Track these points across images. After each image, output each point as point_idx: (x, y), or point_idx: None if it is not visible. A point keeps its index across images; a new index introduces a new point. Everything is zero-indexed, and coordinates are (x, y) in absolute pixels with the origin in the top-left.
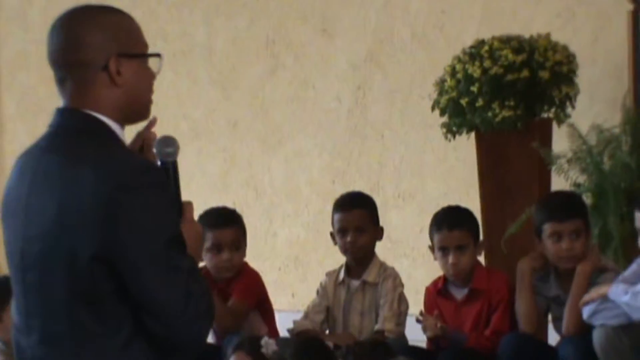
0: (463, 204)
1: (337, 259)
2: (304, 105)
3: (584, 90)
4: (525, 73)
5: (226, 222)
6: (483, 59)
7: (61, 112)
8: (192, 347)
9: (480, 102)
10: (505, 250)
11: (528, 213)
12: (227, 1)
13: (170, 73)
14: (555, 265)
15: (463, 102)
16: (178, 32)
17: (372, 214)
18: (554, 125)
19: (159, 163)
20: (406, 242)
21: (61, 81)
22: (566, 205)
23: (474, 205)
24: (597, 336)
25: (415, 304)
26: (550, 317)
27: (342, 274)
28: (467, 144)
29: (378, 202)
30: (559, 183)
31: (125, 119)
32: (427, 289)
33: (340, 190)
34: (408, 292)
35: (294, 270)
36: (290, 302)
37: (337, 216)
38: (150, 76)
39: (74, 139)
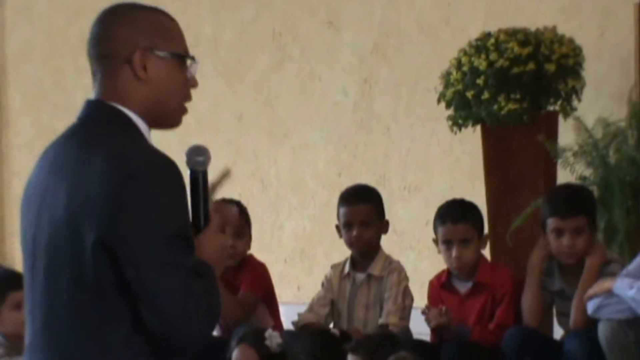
0: (468, 197)
1: (342, 251)
2: (310, 98)
3: (590, 84)
4: (531, 66)
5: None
6: (489, 52)
7: (88, 104)
8: (190, 346)
9: (486, 95)
10: (511, 243)
11: (533, 206)
12: None
13: None
14: (558, 259)
15: (469, 94)
16: (184, 24)
17: (377, 207)
18: (560, 118)
19: (188, 172)
20: (412, 235)
21: (93, 74)
22: (570, 202)
23: (480, 198)
24: (602, 330)
25: (421, 297)
26: (555, 311)
27: (347, 267)
28: (473, 136)
29: (384, 194)
30: (564, 176)
31: (153, 120)
32: (431, 283)
33: (346, 183)
34: (413, 285)
35: (299, 263)
36: (296, 295)
37: (342, 210)
38: (182, 80)
39: (95, 129)
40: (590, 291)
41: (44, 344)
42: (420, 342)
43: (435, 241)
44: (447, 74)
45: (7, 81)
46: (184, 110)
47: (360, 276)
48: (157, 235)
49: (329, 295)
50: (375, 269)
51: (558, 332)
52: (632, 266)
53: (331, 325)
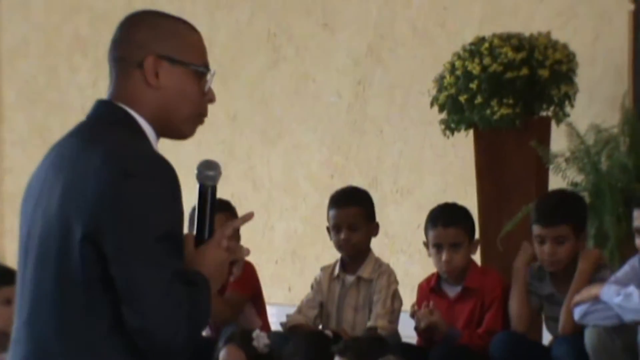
0: (461, 201)
1: (334, 253)
2: (304, 99)
3: (583, 90)
4: (524, 71)
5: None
6: (483, 56)
7: (97, 104)
8: (166, 349)
9: (479, 100)
10: (501, 248)
11: (524, 211)
12: None
13: None
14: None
15: (462, 99)
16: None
17: (366, 210)
18: (553, 124)
19: (198, 185)
20: (403, 238)
21: (110, 76)
22: (553, 210)
23: (472, 202)
24: (588, 337)
25: (411, 300)
26: (544, 316)
27: (337, 269)
28: (465, 141)
29: (376, 197)
30: (556, 182)
31: (162, 128)
32: (420, 286)
33: (339, 184)
34: (404, 288)
35: (290, 264)
36: (287, 296)
37: (331, 212)
38: (196, 92)
39: (99, 128)
40: (578, 297)
41: (25, 337)
42: (409, 345)
43: (426, 244)
44: (441, 78)
45: (1, 77)
46: (197, 122)
47: (350, 278)
48: (145, 235)
49: (318, 297)
50: (365, 271)
51: (547, 338)
52: (620, 273)
53: (320, 327)
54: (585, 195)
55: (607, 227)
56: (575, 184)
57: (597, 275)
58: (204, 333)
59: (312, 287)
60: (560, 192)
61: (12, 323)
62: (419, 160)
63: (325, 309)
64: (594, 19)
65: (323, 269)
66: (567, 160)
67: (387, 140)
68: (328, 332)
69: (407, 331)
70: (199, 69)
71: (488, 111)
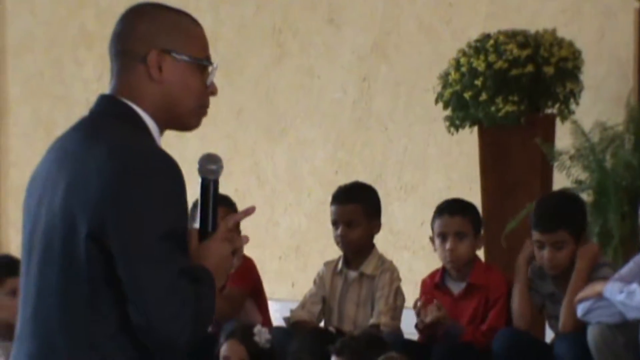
0: (465, 198)
1: (337, 249)
2: (309, 94)
3: (588, 87)
4: (529, 68)
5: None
6: (488, 53)
7: (100, 99)
8: (172, 347)
9: (483, 96)
10: (505, 245)
11: (529, 208)
12: None
13: None
14: None
15: (467, 95)
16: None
17: (367, 207)
18: (558, 121)
19: (200, 179)
20: (407, 235)
21: (111, 69)
22: (551, 216)
23: (476, 199)
24: (591, 334)
25: (415, 297)
26: (546, 314)
27: (340, 265)
28: (470, 137)
29: (380, 194)
30: (560, 179)
31: (164, 122)
32: (423, 281)
33: (343, 180)
34: (408, 285)
35: (294, 260)
36: (290, 292)
37: (331, 208)
38: (199, 85)
39: (101, 121)
40: (581, 294)
41: (31, 334)
42: (411, 342)
43: (432, 239)
44: (446, 75)
45: (6, 71)
46: (201, 114)
47: (353, 274)
48: (150, 232)
49: (321, 292)
50: (368, 267)
51: (550, 336)
52: (623, 270)
53: (322, 323)
54: (590, 193)
55: (612, 225)
56: (579, 182)
57: (598, 272)
58: None
59: (314, 282)
60: (558, 196)
61: (16, 314)
62: (424, 157)
63: (327, 305)
64: (599, 16)
65: (326, 264)
66: (571, 157)
67: (392, 136)
68: (332, 329)
69: (409, 328)
70: (203, 63)
71: (493, 108)
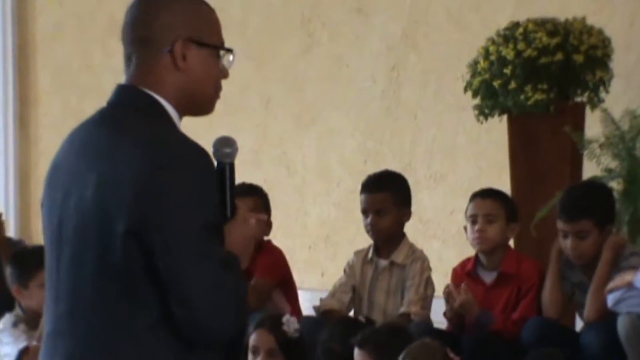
0: (494, 187)
1: (367, 238)
2: (338, 84)
3: (618, 75)
4: (559, 56)
5: (246, 192)
6: (517, 41)
7: (119, 89)
8: (217, 340)
9: (513, 85)
10: (535, 234)
11: (558, 197)
12: None
13: None
14: None
15: (496, 84)
16: (213, 6)
17: (396, 196)
18: (587, 109)
19: (215, 163)
20: (437, 224)
21: (128, 58)
22: (574, 206)
23: (505, 188)
24: (621, 324)
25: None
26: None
27: (370, 253)
28: (499, 126)
29: (409, 183)
30: (590, 168)
31: (185, 109)
32: (454, 270)
33: (372, 170)
34: (437, 274)
35: (324, 249)
36: (320, 281)
37: (361, 197)
38: (218, 71)
39: (125, 114)
40: (611, 284)
41: (70, 330)
42: (440, 332)
43: (466, 228)
44: (475, 63)
45: (36, 62)
46: (216, 99)
47: (383, 263)
48: (191, 225)
49: (351, 281)
50: (399, 256)
51: (580, 325)
52: None
53: (352, 313)
54: (620, 182)
55: None
56: (609, 170)
57: (628, 262)
58: None
59: (344, 271)
60: (585, 186)
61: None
62: (453, 146)
63: (357, 293)
64: (629, 4)
65: (356, 253)
66: (601, 146)
67: (421, 125)
68: (361, 318)
69: (439, 317)
70: (224, 50)
71: (522, 96)
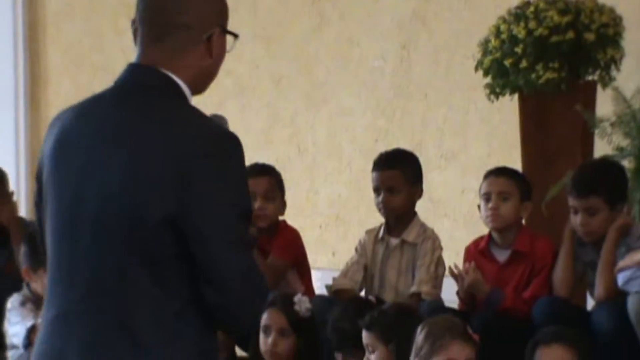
0: (506, 165)
1: (378, 217)
2: (349, 63)
3: (629, 54)
4: (570, 35)
5: (259, 172)
6: (528, 20)
7: (133, 67)
8: (245, 323)
9: (524, 64)
10: (546, 213)
11: (569, 176)
12: None
13: None
14: None
15: (507, 63)
16: None
17: (408, 173)
18: (599, 88)
19: None
20: (447, 203)
21: (154, 39)
22: (585, 182)
23: (516, 166)
24: (631, 303)
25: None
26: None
27: (382, 232)
28: (510, 105)
29: (420, 162)
30: (601, 146)
31: (195, 89)
32: (467, 249)
33: (383, 149)
34: (448, 253)
35: (334, 229)
36: (331, 261)
37: (373, 175)
38: (224, 54)
39: (143, 95)
40: (621, 263)
41: (92, 310)
42: (451, 310)
43: (479, 207)
44: (486, 42)
45: (46, 41)
46: None
47: (394, 241)
48: (230, 213)
49: (363, 259)
50: (410, 235)
51: (591, 304)
52: None
53: (362, 293)
54: (631, 160)
55: None
56: (621, 149)
57: (638, 241)
58: None
59: (356, 250)
60: (596, 163)
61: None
62: (464, 125)
63: (368, 272)
64: None
65: (368, 231)
66: (612, 124)
67: (432, 104)
68: (372, 298)
69: (451, 296)
70: (235, 35)
71: (533, 75)
